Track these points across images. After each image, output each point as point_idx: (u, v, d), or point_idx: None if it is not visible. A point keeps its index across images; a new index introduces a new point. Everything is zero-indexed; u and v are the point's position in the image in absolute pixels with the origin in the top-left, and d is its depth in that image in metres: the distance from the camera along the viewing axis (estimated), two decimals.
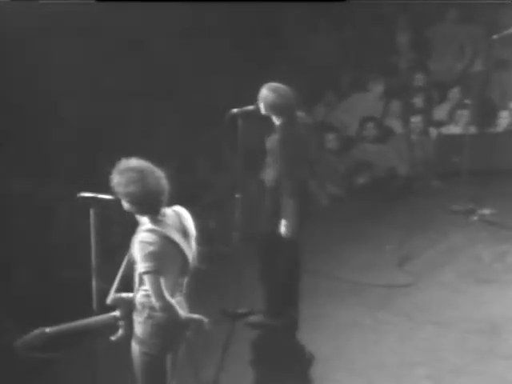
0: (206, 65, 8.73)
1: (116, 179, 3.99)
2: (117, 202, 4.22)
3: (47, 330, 4.01)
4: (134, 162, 4.01)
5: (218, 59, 8.84)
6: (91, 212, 4.30)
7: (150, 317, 4.03)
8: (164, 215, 4.05)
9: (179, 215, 4.13)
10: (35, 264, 6.72)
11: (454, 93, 9.52)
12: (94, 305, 4.30)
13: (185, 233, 4.09)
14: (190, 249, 4.10)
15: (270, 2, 9.12)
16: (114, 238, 6.95)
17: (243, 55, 9.07)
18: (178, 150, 7.97)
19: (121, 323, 4.07)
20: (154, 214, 4.01)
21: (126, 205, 4.03)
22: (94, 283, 4.33)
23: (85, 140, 7.75)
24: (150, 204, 3.99)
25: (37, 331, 4.00)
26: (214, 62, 8.79)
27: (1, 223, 6.78)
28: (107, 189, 4.20)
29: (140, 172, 3.95)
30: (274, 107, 5.61)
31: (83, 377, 5.17)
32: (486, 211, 7.71)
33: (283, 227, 5.68)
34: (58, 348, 4.86)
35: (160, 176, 4.01)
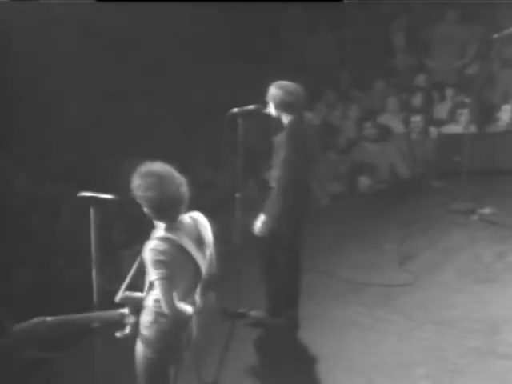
0: (206, 65, 8.73)
1: (136, 182, 3.93)
2: (116, 202, 4.22)
3: (48, 318, 3.98)
4: (156, 167, 3.94)
5: (218, 59, 8.85)
6: (91, 211, 4.30)
7: (155, 321, 4.02)
8: (181, 222, 4.00)
9: (196, 222, 4.08)
10: (35, 264, 6.73)
11: (454, 92, 9.54)
12: (94, 299, 4.30)
13: (200, 241, 4.05)
14: (204, 257, 4.06)
15: (270, 2, 9.13)
16: (115, 236, 6.97)
17: (243, 55, 9.07)
18: (178, 150, 7.97)
19: (128, 321, 4.05)
20: (171, 220, 3.97)
21: (144, 209, 3.99)
22: (93, 279, 4.34)
23: (85, 140, 7.76)
24: (167, 211, 3.94)
25: (37, 319, 3.97)
26: (214, 62, 8.80)
27: (1, 223, 6.78)
28: (107, 188, 4.21)
29: (160, 178, 3.89)
30: (282, 105, 5.56)
31: (83, 377, 5.18)
32: (486, 211, 7.72)
33: (258, 222, 5.64)
34: (60, 346, 4.87)
35: (180, 183, 3.95)
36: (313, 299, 6.24)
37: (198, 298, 4.10)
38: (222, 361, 5.54)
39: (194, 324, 4.15)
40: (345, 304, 6.32)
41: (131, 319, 4.03)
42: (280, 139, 5.64)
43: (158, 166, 3.96)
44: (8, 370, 5.48)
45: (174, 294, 3.88)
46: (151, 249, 3.89)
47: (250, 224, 5.82)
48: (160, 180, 3.90)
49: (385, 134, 9.07)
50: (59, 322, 4.00)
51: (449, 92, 9.67)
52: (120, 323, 4.04)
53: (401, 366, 5.46)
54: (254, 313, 6.06)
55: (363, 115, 9.38)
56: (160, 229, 4.00)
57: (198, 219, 4.11)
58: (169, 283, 3.86)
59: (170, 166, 3.98)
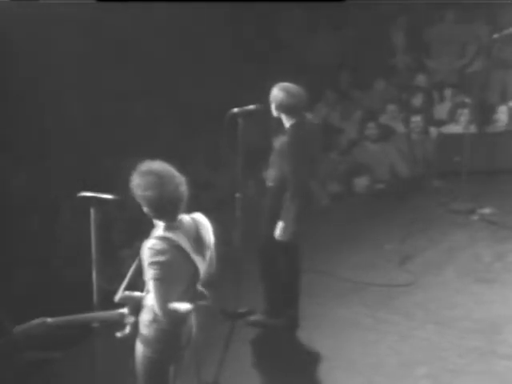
0: (206, 65, 8.73)
1: (136, 181, 3.91)
2: (116, 202, 4.21)
3: (48, 319, 3.98)
4: (156, 166, 3.92)
5: (218, 59, 8.85)
6: (91, 211, 4.30)
7: (154, 320, 3.99)
8: (180, 222, 3.99)
9: (197, 223, 4.06)
10: (35, 264, 6.73)
11: (454, 92, 9.55)
12: (95, 299, 4.30)
13: (199, 242, 4.02)
14: (203, 258, 4.04)
15: (270, 2, 9.13)
16: (115, 236, 6.96)
17: (243, 55, 9.07)
18: (178, 150, 7.97)
19: (128, 321, 4.05)
20: (170, 220, 3.95)
21: (143, 208, 3.98)
22: (94, 279, 4.33)
23: (85, 140, 7.76)
24: (167, 210, 3.92)
25: (37, 320, 3.97)
26: (214, 62, 8.80)
27: (1, 223, 6.78)
28: (107, 188, 4.20)
29: (160, 177, 3.87)
30: (284, 107, 5.54)
31: (83, 377, 5.18)
32: (487, 210, 7.71)
33: (279, 229, 5.65)
34: (60, 346, 4.86)
35: (180, 182, 3.93)
36: (313, 299, 6.24)
37: (196, 297, 4.09)
38: (222, 361, 5.54)
39: (193, 323, 4.15)
40: (345, 304, 6.31)
41: (131, 319, 4.03)
42: (281, 142, 5.62)
43: (158, 165, 3.94)
44: (9, 370, 5.48)
45: (167, 295, 3.86)
46: (149, 248, 3.88)
47: (250, 224, 5.83)
48: (159, 179, 3.88)
49: (387, 133, 9.08)
50: (59, 323, 4.00)
51: (449, 92, 9.67)
52: (120, 323, 4.04)
53: (401, 365, 5.46)
54: (253, 317, 6.05)
55: (365, 115, 9.37)
56: (159, 228, 4.00)
57: (198, 220, 4.09)
58: (162, 284, 3.84)
59: (169, 165, 3.97)
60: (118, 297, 4.02)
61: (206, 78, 8.64)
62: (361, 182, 8.71)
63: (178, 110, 8.55)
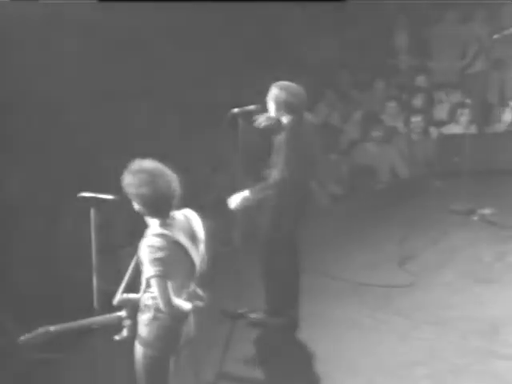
0: (206, 65, 8.73)
1: (128, 179, 3.96)
2: (117, 202, 4.22)
3: (51, 328, 4.01)
4: (147, 164, 3.98)
5: (218, 59, 8.85)
6: (91, 211, 4.30)
7: (155, 318, 4.03)
8: (173, 218, 4.03)
9: (189, 219, 4.11)
10: (36, 264, 6.73)
11: (454, 92, 9.56)
12: (95, 303, 4.30)
13: (193, 237, 4.07)
14: (198, 253, 4.09)
15: (270, 2, 9.13)
16: (116, 237, 6.96)
17: (243, 55, 9.07)
18: (178, 150, 7.97)
19: (126, 323, 4.06)
20: (164, 217, 4.00)
21: (136, 206, 4.02)
22: (94, 282, 4.34)
23: (85, 140, 7.75)
24: (160, 207, 3.97)
25: (41, 329, 4.00)
26: (215, 62, 8.80)
27: (1, 223, 6.78)
28: (107, 188, 4.21)
29: (152, 174, 3.93)
30: (285, 106, 5.56)
31: (83, 377, 5.19)
32: (487, 211, 7.71)
33: (239, 196, 5.61)
34: (60, 347, 4.86)
35: (172, 179, 3.99)
36: (313, 299, 6.24)
37: (193, 294, 4.11)
38: (221, 361, 5.54)
39: (192, 322, 4.16)
40: (345, 304, 6.31)
41: (128, 322, 4.05)
42: (280, 139, 5.64)
43: (149, 163, 3.99)
44: (9, 370, 5.49)
45: (171, 291, 3.89)
46: (148, 246, 3.91)
47: (250, 224, 5.83)
48: (152, 176, 3.93)
49: (391, 135, 9.08)
50: (62, 330, 4.03)
51: (449, 92, 9.67)
52: (118, 326, 4.06)
53: (401, 366, 5.46)
54: (253, 315, 6.05)
55: (367, 116, 9.37)
56: (154, 225, 4.02)
57: (190, 216, 4.14)
58: (164, 280, 3.88)
59: (160, 163, 4.01)
60: (116, 300, 4.05)
61: (207, 78, 8.64)
62: (364, 182, 8.71)
63: (179, 109, 8.55)
